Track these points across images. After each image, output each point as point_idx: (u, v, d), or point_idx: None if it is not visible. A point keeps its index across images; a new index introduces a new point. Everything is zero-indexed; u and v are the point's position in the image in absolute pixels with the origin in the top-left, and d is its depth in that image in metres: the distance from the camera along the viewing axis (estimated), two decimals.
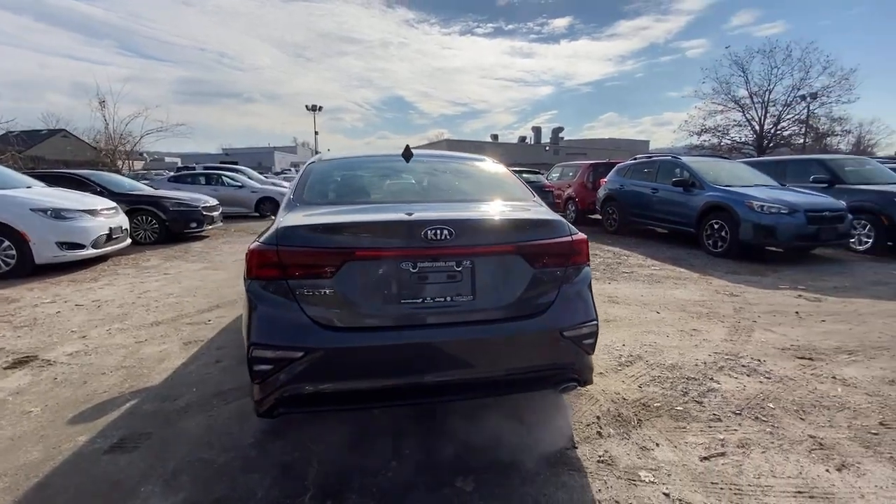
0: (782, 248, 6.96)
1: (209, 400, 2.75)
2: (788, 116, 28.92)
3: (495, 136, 73.27)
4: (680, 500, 1.91)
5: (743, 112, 29.47)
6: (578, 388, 2.22)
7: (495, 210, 2.32)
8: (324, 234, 1.92)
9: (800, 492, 1.95)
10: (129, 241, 7.39)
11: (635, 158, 10.03)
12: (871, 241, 7.23)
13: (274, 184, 17.66)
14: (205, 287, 5.46)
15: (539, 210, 2.41)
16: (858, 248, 7.38)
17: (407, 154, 2.88)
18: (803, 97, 27.90)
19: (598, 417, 2.55)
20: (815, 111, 28.01)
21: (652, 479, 2.04)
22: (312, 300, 1.86)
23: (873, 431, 2.41)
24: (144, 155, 38.01)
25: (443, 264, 1.95)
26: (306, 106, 43.81)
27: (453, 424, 2.45)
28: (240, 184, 14.28)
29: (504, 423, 2.46)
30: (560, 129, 71.70)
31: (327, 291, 1.86)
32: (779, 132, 29.19)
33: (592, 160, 13.76)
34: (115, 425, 2.47)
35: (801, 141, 29.04)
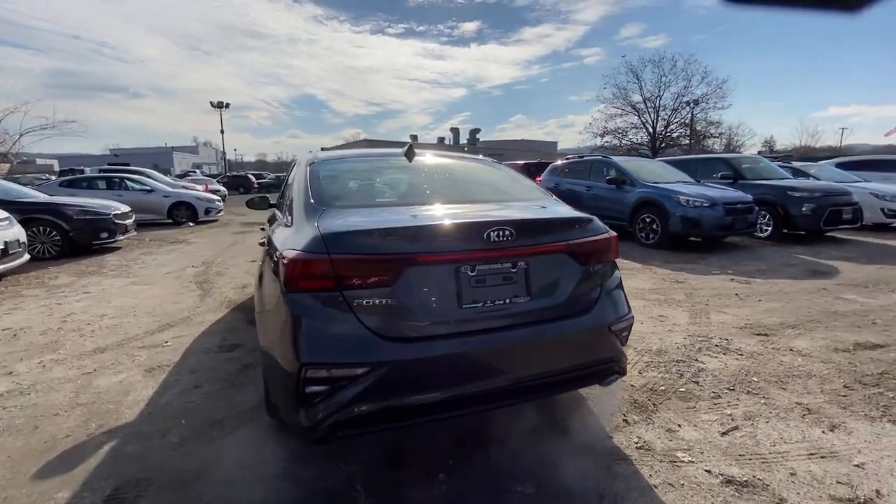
0: (703, 238, 7.78)
1: (206, 431, 2.44)
2: (676, 120, 32.46)
3: (415, 137, 73.43)
4: (722, 474, 2.05)
5: (639, 116, 32.55)
6: (619, 378, 2.28)
7: (538, 209, 2.31)
8: (383, 239, 1.78)
9: (811, 453, 2.19)
10: (27, 256, 6.31)
11: (567, 158, 10.61)
12: (770, 229, 8.35)
13: (185, 187, 16.17)
14: (143, 305, 4.82)
15: (569, 209, 2.44)
16: (761, 235, 8.48)
17: (410, 154, 2.78)
18: (687, 103, 31.47)
19: (617, 406, 2.66)
20: (697, 115, 31.74)
21: (690, 459, 2.17)
22: (372, 311, 1.72)
23: (842, 394, 2.77)
24: (10, 157, 32.60)
25: (499, 266, 1.90)
26: (211, 103, 40.59)
27: (489, 432, 2.41)
28: (148, 188, 12.83)
29: (537, 423, 2.47)
30: (477, 131, 74.10)
31: (388, 301, 1.73)
32: (668, 134, 32.61)
33: (520, 160, 14.33)
34: (100, 474, 2.09)
35: (687, 142, 32.70)
